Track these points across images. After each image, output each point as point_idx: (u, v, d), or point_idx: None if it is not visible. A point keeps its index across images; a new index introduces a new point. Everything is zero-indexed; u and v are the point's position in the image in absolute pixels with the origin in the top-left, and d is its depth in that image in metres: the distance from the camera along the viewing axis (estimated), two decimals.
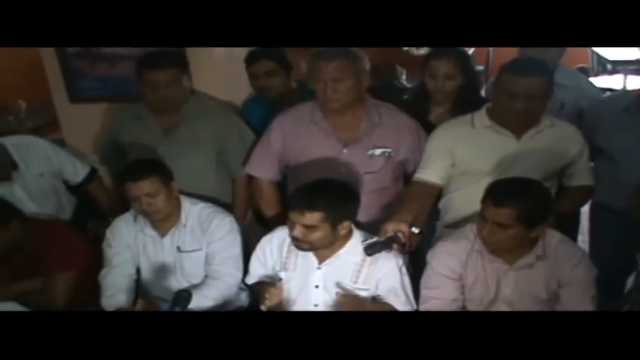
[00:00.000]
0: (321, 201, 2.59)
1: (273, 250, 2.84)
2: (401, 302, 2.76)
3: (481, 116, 2.89)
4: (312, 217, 2.58)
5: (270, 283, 2.78)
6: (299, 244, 2.65)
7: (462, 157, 2.89)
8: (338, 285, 2.73)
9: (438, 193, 2.98)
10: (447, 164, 2.91)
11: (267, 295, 2.66)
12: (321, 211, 2.58)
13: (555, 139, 2.86)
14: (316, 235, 2.61)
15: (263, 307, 2.65)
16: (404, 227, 2.60)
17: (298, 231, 2.61)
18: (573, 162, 2.91)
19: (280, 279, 2.81)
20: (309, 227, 2.59)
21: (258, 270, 2.90)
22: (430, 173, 2.92)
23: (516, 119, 2.79)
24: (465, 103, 3.14)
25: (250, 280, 2.94)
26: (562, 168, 2.91)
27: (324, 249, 2.70)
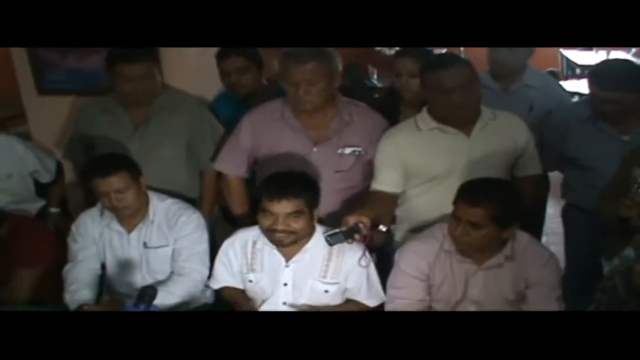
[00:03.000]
0: (300, 187, 2.63)
1: (237, 252, 2.83)
2: (369, 294, 2.79)
3: (424, 118, 2.85)
4: (298, 204, 2.59)
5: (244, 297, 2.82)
6: (282, 237, 2.64)
7: (415, 163, 2.86)
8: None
9: (396, 199, 2.96)
10: (399, 172, 2.88)
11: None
12: (302, 197, 2.61)
13: (503, 131, 2.86)
14: (300, 223, 2.63)
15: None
16: (365, 219, 2.61)
17: (282, 222, 2.60)
18: (523, 151, 2.92)
19: (250, 280, 2.81)
20: (293, 215, 2.60)
21: (223, 275, 2.88)
22: (384, 184, 2.90)
23: (457, 113, 2.76)
24: None
25: (215, 284, 2.92)
26: (515, 158, 2.91)
27: (294, 244, 2.70)
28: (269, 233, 2.66)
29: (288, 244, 2.68)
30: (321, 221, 2.80)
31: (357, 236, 2.61)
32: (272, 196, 2.60)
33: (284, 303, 2.78)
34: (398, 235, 3.04)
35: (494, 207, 2.43)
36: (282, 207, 2.59)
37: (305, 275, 2.75)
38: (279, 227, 2.61)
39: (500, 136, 2.84)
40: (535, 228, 3.42)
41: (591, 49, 6.68)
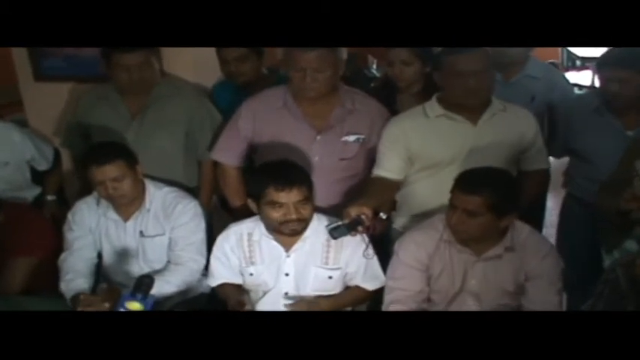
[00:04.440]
0: (304, 173, 2.65)
1: (233, 247, 2.80)
2: (368, 277, 2.78)
3: (433, 106, 2.86)
4: (306, 190, 2.61)
5: (237, 292, 2.78)
6: (296, 226, 2.63)
7: (419, 149, 2.86)
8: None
9: (398, 186, 2.96)
10: (404, 158, 2.88)
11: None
12: (307, 183, 2.63)
13: (510, 123, 2.85)
14: (308, 210, 2.64)
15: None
16: (367, 210, 2.60)
17: (294, 211, 2.59)
18: (530, 145, 2.91)
19: (251, 273, 2.79)
20: (302, 202, 2.60)
21: (220, 271, 2.85)
22: (387, 170, 2.89)
23: (471, 99, 2.75)
24: (434, 89, 3.11)
25: (214, 282, 2.88)
26: (520, 152, 2.90)
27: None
28: (282, 225, 2.63)
29: (301, 232, 2.67)
30: (324, 210, 2.79)
31: (360, 228, 2.60)
32: (283, 186, 2.57)
33: (286, 293, 2.76)
34: (397, 223, 3.03)
35: (490, 195, 2.42)
36: (293, 196, 2.58)
37: (307, 263, 2.74)
38: (294, 216, 2.60)
39: (507, 128, 2.83)
40: (536, 220, 3.41)
41: None
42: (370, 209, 2.61)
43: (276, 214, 2.62)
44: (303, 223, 2.66)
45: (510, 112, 2.86)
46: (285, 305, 2.73)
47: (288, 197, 2.58)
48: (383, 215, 2.71)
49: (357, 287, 2.81)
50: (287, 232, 2.66)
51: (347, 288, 2.82)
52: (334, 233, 2.61)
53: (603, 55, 3.04)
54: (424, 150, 2.85)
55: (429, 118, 2.84)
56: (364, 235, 2.70)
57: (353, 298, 2.82)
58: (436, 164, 2.84)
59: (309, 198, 2.63)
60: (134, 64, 3.09)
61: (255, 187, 2.69)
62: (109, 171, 2.80)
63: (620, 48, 2.91)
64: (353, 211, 2.60)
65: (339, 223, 2.62)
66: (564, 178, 3.44)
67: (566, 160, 3.41)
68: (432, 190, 2.84)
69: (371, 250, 2.75)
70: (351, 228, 2.60)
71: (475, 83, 2.70)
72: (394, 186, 2.92)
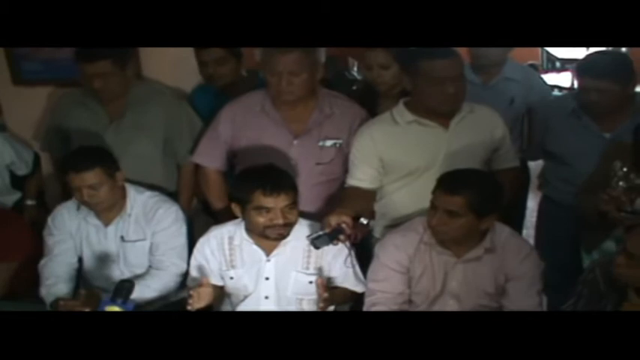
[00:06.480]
0: (291, 178, 2.65)
1: (214, 251, 2.79)
2: (353, 282, 2.78)
3: (402, 112, 2.82)
4: (293, 195, 2.60)
5: (198, 283, 2.69)
6: (283, 230, 2.63)
7: (392, 159, 2.83)
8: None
9: (373, 195, 2.93)
10: (376, 167, 2.85)
11: (193, 295, 2.56)
12: (294, 188, 2.63)
13: (480, 124, 2.85)
14: (294, 214, 2.63)
15: (190, 308, 2.56)
16: (346, 218, 2.58)
17: (281, 215, 2.58)
18: (500, 144, 2.91)
19: (231, 277, 2.78)
20: (288, 207, 2.59)
21: (197, 274, 2.82)
22: (360, 180, 2.86)
23: (446, 105, 2.73)
24: None
25: (193, 284, 2.82)
26: (493, 151, 2.90)
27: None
28: (268, 229, 2.62)
29: (286, 236, 2.67)
30: (304, 214, 2.78)
31: (341, 237, 2.59)
32: (271, 191, 2.56)
33: (266, 297, 2.75)
34: (377, 231, 3.01)
35: (472, 195, 2.43)
36: (281, 201, 2.57)
37: (287, 268, 2.73)
38: (281, 221, 2.59)
39: (477, 129, 2.83)
40: (516, 221, 3.42)
41: None
42: (350, 217, 2.60)
43: (262, 219, 2.61)
44: (289, 228, 2.65)
45: (478, 113, 2.85)
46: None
47: (276, 202, 2.57)
48: (364, 220, 2.70)
49: (346, 289, 2.80)
50: (273, 236, 2.65)
51: (334, 288, 2.79)
52: (316, 243, 2.60)
53: (581, 64, 3.05)
54: (398, 159, 2.82)
55: (398, 125, 2.81)
56: (347, 243, 2.70)
57: (349, 295, 2.82)
58: (411, 172, 2.82)
59: (295, 203, 2.63)
60: (95, 73, 3.06)
61: (241, 192, 2.66)
62: (86, 178, 2.78)
63: (598, 55, 2.94)
64: (333, 220, 2.58)
65: (320, 232, 2.61)
66: (539, 180, 3.46)
67: (542, 162, 3.43)
68: (409, 199, 2.83)
69: (351, 260, 2.75)
70: (332, 237, 2.58)
71: (453, 90, 2.68)
72: (369, 195, 2.89)
